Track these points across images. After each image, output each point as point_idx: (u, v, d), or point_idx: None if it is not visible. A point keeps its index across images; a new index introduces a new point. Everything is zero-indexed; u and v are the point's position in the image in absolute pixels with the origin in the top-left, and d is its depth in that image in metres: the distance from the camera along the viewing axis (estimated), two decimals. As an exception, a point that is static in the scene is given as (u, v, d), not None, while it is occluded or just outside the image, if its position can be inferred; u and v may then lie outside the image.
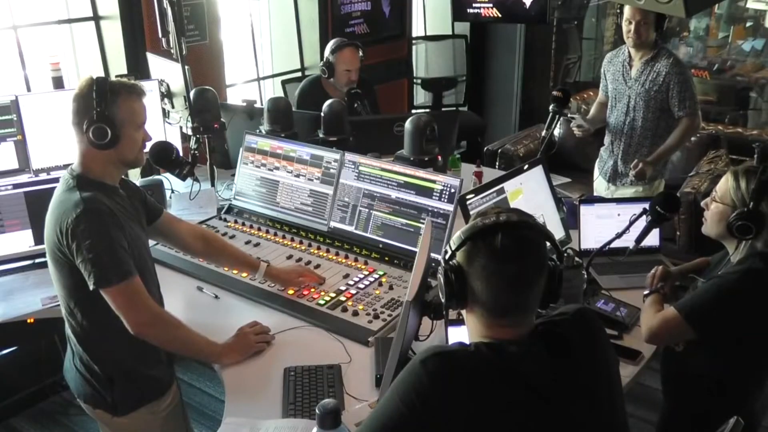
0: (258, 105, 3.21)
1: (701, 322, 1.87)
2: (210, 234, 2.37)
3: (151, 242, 2.15)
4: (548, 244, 1.34)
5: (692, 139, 4.72)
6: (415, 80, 5.80)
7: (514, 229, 1.28)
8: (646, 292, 2.15)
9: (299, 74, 4.88)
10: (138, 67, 3.56)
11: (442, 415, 1.22)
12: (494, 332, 1.32)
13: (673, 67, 3.25)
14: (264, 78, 4.86)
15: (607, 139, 3.57)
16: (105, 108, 1.79)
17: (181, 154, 2.69)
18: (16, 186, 2.51)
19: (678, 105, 3.27)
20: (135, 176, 3.41)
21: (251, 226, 2.72)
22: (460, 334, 1.72)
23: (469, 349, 1.29)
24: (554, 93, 3.01)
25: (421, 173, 2.45)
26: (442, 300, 1.36)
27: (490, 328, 1.32)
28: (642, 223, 2.24)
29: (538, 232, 1.32)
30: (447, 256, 1.33)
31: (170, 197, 3.02)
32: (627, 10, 3.24)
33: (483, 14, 5.32)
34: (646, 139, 3.37)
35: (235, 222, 2.76)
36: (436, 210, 2.38)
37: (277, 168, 2.76)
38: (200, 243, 2.25)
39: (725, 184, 1.93)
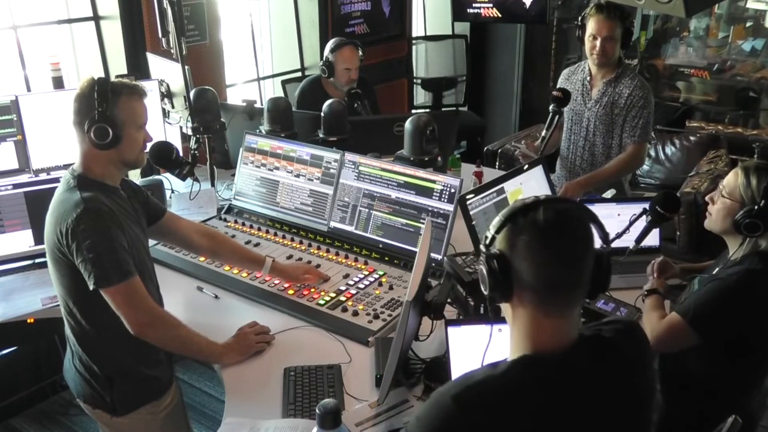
0: (258, 105, 3.21)
1: (705, 327, 1.86)
2: (214, 231, 2.38)
3: (151, 242, 2.16)
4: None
5: (692, 138, 4.74)
6: (415, 80, 5.81)
7: (557, 203, 1.24)
8: (646, 286, 2.15)
9: (299, 74, 4.88)
10: (138, 67, 3.56)
11: None
12: (540, 332, 1.23)
13: (637, 89, 3.01)
14: (264, 78, 4.86)
15: (560, 169, 3.31)
16: (106, 108, 1.79)
17: (181, 154, 2.69)
18: (16, 186, 2.51)
19: (629, 130, 3.04)
20: (135, 176, 3.41)
21: (251, 226, 2.72)
22: (460, 334, 1.72)
23: (501, 373, 1.21)
24: (554, 93, 2.91)
25: (421, 173, 2.45)
26: (486, 292, 1.26)
27: (538, 323, 1.23)
28: (642, 223, 2.23)
29: (580, 209, 1.27)
30: (487, 242, 1.26)
31: (170, 197, 3.02)
32: (591, 24, 2.97)
33: (483, 14, 5.33)
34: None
35: (235, 222, 2.76)
36: (436, 210, 2.38)
37: (277, 168, 2.76)
38: (205, 240, 2.26)
39: (735, 179, 1.90)
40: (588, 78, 3.15)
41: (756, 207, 1.83)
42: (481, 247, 1.28)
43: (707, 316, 1.86)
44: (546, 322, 1.23)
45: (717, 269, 1.99)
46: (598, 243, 1.28)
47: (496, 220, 1.26)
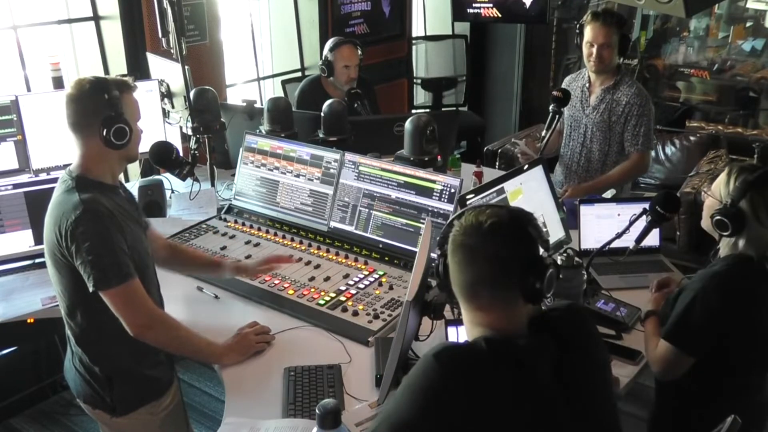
0: (258, 105, 3.21)
1: (693, 346, 1.87)
2: (173, 242, 2.43)
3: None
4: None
5: (692, 138, 4.74)
6: (415, 80, 5.80)
7: (481, 208, 1.34)
8: (645, 307, 2.13)
9: (299, 74, 4.88)
10: (138, 67, 3.56)
11: (455, 409, 1.23)
12: (483, 319, 1.33)
13: (635, 97, 3.05)
14: (264, 78, 4.86)
15: (559, 173, 3.35)
16: (120, 108, 1.81)
17: (181, 154, 2.69)
18: (16, 186, 2.51)
19: (631, 139, 3.08)
20: (135, 176, 3.42)
21: (251, 226, 2.72)
22: (460, 334, 1.72)
23: (480, 344, 1.30)
24: (554, 93, 2.92)
25: (421, 173, 2.45)
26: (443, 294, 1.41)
27: (474, 312, 1.35)
28: (642, 223, 2.24)
29: (509, 213, 1.35)
30: (438, 243, 1.40)
31: (170, 197, 3.02)
32: (588, 32, 3.02)
33: (483, 14, 5.32)
34: (603, 174, 3.14)
35: (235, 222, 2.76)
36: (436, 210, 2.38)
37: (277, 168, 2.76)
38: (166, 251, 2.23)
39: (720, 177, 1.94)
40: (587, 85, 3.18)
41: (726, 205, 1.85)
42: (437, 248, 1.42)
43: (690, 335, 1.86)
44: (481, 314, 1.34)
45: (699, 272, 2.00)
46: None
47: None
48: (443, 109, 5.80)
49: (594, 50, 3.03)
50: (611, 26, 2.99)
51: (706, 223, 1.97)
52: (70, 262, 1.77)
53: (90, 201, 1.77)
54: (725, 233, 1.87)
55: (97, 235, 1.74)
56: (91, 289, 1.75)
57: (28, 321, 2.26)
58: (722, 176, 1.92)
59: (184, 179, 2.66)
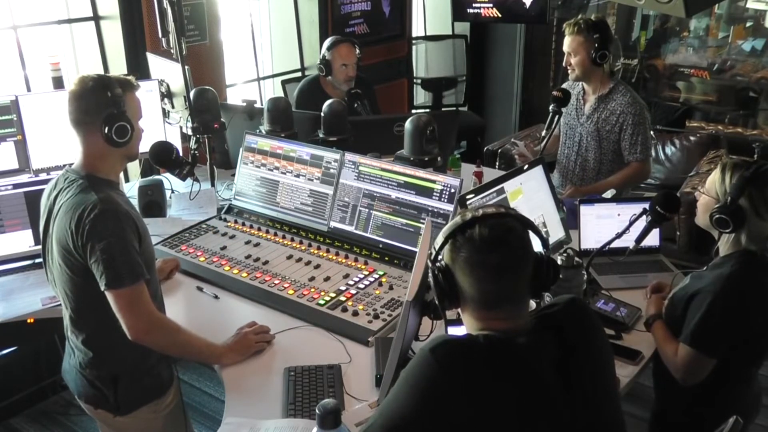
0: (258, 105, 3.21)
1: (715, 349, 1.87)
2: None
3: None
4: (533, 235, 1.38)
5: (692, 138, 4.74)
6: (415, 80, 5.81)
7: (491, 219, 1.32)
8: (645, 314, 2.12)
9: (299, 74, 4.88)
10: (138, 67, 3.55)
11: (451, 405, 1.23)
12: (491, 324, 1.33)
13: (629, 106, 3.04)
14: (264, 78, 4.86)
15: (556, 178, 3.37)
16: (123, 106, 1.82)
17: (181, 154, 2.69)
18: (16, 186, 2.51)
19: (629, 149, 3.09)
20: (135, 176, 3.41)
21: (251, 226, 2.72)
22: (460, 334, 1.72)
23: (478, 339, 1.30)
24: (554, 93, 2.94)
25: (421, 173, 2.45)
26: (436, 302, 1.39)
27: (485, 321, 1.34)
28: (642, 223, 2.24)
29: (515, 219, 1.34)
30: (432, 258, 1.37)
31: (170, 197, 3.02)
32: (564, 40, 3.12)
33: (483, 14, 5.32)
34: (601, 180, 3.16)
35: (235, 222, 2.76)
36: (436, 210, 2.38)
37: (277, 168, 2.76)
38: None
39: (713, 175, 1.94)
40: (582, 93, 3.20)
41: (725, 203, 1.85)
42: (428, 261, 1.39)
43: (713, 338, 1.86)
44: (492, 321, 1.33)
45: (705, 268, 2.00)
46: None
47: (438, 237, 1.36)
48: (443, 109, 5.81)
49: (566, 58, 3.11)
50: (577, 34, 3.04)
51: (702, 221, 1.97)
52: (84, 261, 1.77)
53: (107, 200, 1.77)
54: (726, 230, 1.88)
55: (114, 234, 1.75)
56: (102, 288, 1.75)
57: (28, 321, 2.26)
58: (716, 174, 1.92)
59: (184, 179, 2.66)
